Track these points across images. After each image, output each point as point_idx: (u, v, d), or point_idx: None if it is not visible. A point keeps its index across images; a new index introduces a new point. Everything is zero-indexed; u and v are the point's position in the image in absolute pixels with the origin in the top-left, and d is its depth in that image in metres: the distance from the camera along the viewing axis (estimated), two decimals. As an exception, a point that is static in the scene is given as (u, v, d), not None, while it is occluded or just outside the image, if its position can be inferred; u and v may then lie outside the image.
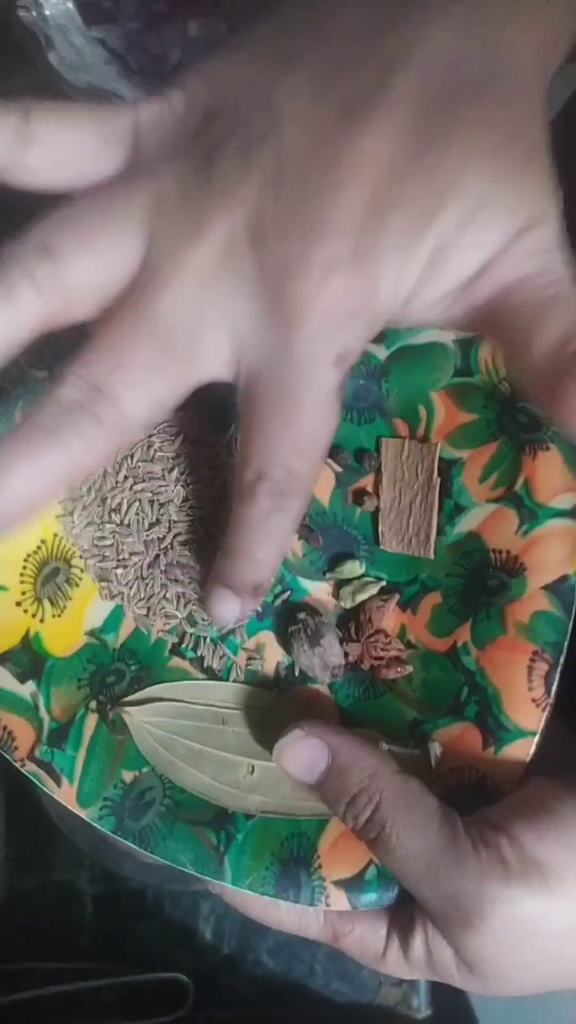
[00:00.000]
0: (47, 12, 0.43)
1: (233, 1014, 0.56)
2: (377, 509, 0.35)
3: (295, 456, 0.26)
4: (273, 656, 0.34)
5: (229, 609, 0.31)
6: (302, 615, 0.34)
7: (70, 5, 0.44)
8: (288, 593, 0.35)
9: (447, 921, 0.28)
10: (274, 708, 0.33)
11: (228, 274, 0.25)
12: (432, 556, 0.34)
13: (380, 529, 0.35)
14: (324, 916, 0.32)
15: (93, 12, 0.45)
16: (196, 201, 0.25)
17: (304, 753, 0.31)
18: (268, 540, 0.28)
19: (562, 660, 0.32)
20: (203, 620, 0.34)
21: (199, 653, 0.34)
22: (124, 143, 0.27)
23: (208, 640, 0.34)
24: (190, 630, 0.34)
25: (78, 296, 0.25)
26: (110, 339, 0.25)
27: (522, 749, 0.31)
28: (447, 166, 0.24)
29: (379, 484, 0.35)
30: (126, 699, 0.32)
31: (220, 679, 0.34)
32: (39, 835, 0.56)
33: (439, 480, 0.34)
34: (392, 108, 0.24)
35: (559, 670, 0.32)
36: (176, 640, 0.34)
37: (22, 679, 0.31)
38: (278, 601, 0.35)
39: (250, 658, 0.34)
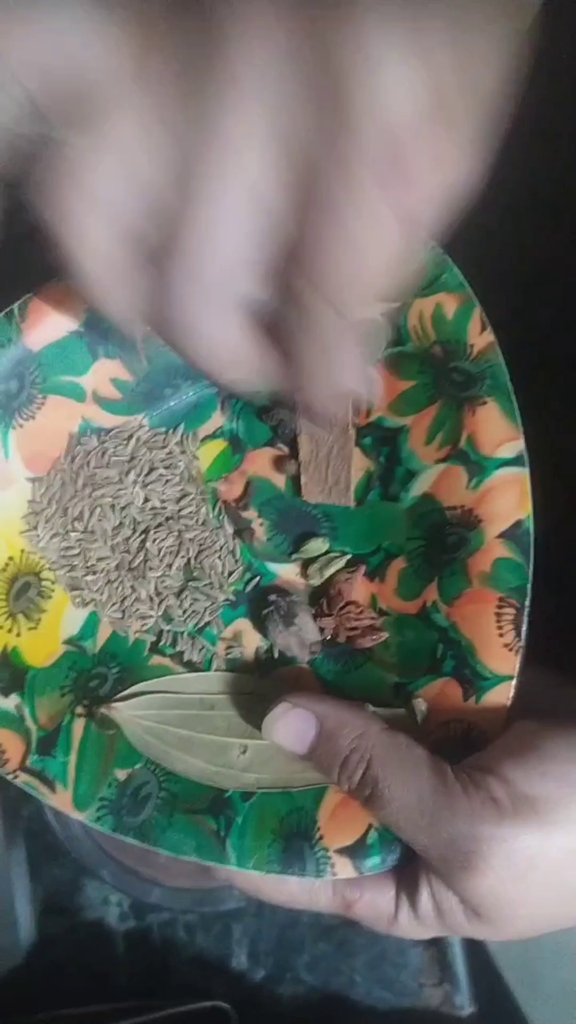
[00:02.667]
0: None
1: (279, 1036, 0.55)
2: (298, 471, 0.36)
3: (321, 259, 0.23)
4: (252, 642, 0.35)
5: None
6: (273, 597, 0.35)
7: None
8: (258, 579, 0.36)
9: (448, 867, 0.29)
10: (259, 690, 0.34)
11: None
12: (352, 503, 0.36)
13: (302, 481, 0.36)
14: (333, 887, 0.32)
15: None
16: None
17: (293, 724, 0.31)
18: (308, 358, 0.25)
19: (527, 603, 0.32)
20: (179, 616, 0.34)
21: (178, 648, 0.35)
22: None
23: (186, 635, 0.35)
24: (166, 627, 0.35)
25: None
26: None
27: (502, 694, 0.32)
28: None
29: (297, 443, 0.36)
30: (112, 698, 0.33)
31: (202, 671, 0.34)
32: (64, 878, 0.56)
33: (354, 431, 0.35)
34: None
35: (526, 613, 0.32)
36: (154, 639, 0.35)
37: (5, 693, 0.32)
38: (249, 587, 0.36)
39: (229, 647, 0.35)
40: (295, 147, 0.22)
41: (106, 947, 0.55)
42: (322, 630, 0.35)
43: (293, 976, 0.56)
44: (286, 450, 0.36)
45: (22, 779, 0.31)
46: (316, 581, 0.35)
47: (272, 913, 0.56)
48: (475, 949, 0.56)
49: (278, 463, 0.37)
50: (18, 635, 0.33)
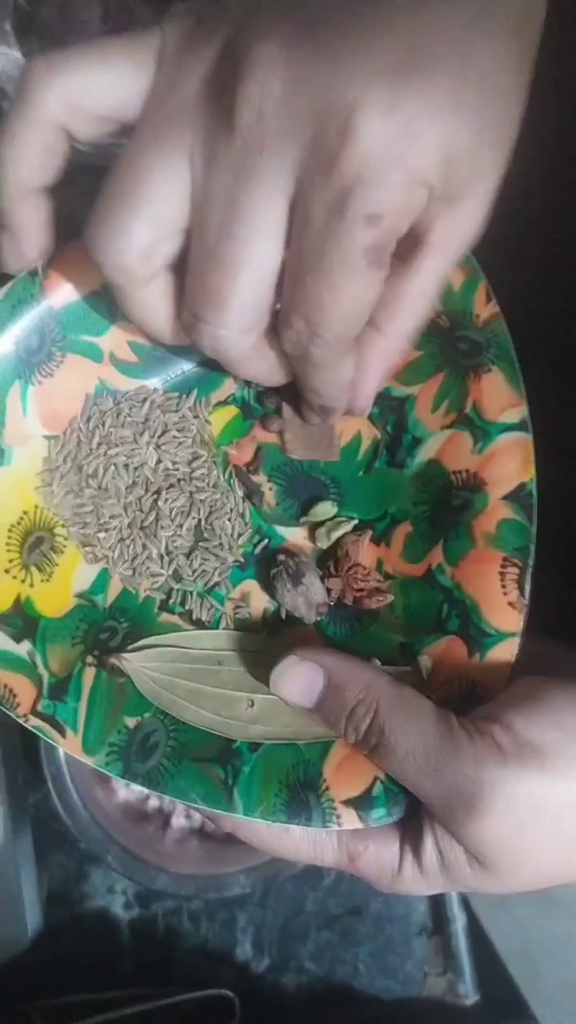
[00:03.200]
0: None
1: (282, 1024, 0.55)
2: (282, 430, 0.37)
3: (316, 311, 0.28)
4: (259, 604, 0.36)
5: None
6: (282, 557, 0.35)
7: (17, 54, 0.47)
8: (267, 541, 0.36)
9: (451, 812, 0.29)
10: (266, 648, 0.35)
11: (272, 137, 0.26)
12: (337, 458, 0.37)
13: (286, 438, 0.37)
14: (337, 839, 0.32)
15: None
16: (223, 83, 0.26)
17: (300, 677, 0.32)
18: (307, 380, 0.32)
19: (531, 563, 0.33)
20: (188, 576, 0.35)
21: (187, 607, 0.35)
22: (153, 61, 0.28)
23: (195, 594, 0.35)
24: (176, 586, 0.35)
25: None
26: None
27: (506, 651, 0.32)
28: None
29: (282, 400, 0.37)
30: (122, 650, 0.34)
31: (211, 630, 0.35)
32: (70, 866, 0.56)
33: None
34: None
35: (530, 572, 0.33)
36: (164, 597, 0.36)
37: (17, 639, 0.33)
38: (258, 550, 0.36)
39: (237, 607, 0.36)
40: (300, 209, 0.26)
41: (111, 935, 0.56)
42: (329, 591, 0.35)
43: (297, 965, 0.56)
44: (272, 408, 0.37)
45: (33, 723, 0.32)
46: (324, 544, 0.36)
47: (276, 902, 0.56)
48: (479, 938, 0.56)
49: (264, 421, 0.37)
50: (31, 586, 0.34)
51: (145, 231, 0.28)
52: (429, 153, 0.25)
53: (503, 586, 0.33)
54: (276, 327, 0.30)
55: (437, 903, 0.57)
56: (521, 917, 0.54)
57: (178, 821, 0.55)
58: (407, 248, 0.28)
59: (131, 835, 0.53)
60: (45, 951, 0.54)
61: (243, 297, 0.28)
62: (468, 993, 0.55)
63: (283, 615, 0.36)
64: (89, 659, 0.33)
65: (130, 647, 0.34)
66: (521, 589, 0.33)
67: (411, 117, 0.24)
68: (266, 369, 0.32)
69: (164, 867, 0.53)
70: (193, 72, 0.27)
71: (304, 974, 0.56)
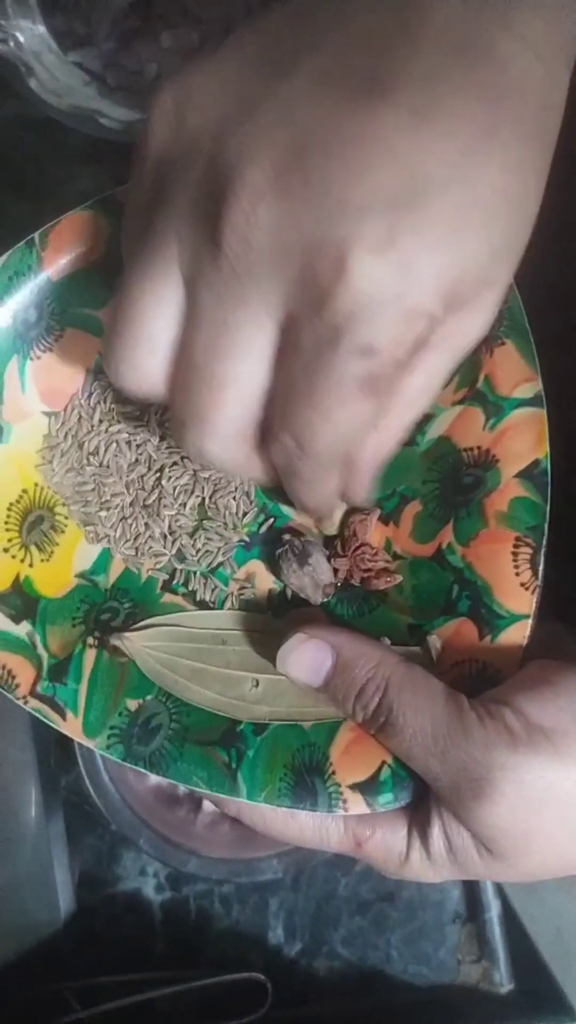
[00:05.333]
0: (22, 40, 0.46)
1: (314, 1009, 0.55)
2: None
3: (306, 434, 0.27)
4: (265, 584, 0.35)
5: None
6: (288, 536, 0.35)
7: (43, 30, 0.47)
8: (272, 520, 0.36)
9: (460, 796, 0.28)
10: (272, 628, 0.34)
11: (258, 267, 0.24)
12: (334, 531, 0.36)
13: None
14: (344, 824, 0.32)
15: (68, 38, 0.47)
16: (210, 213, 0.24)
17: (308, 655, 0.31)
18: (294, 494, 0.30)
19: (544, 543, 0.32)
20: (192, 556, 0.35)
21: (191, 588, 0.35)
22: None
23: (198, 575, 0.35)
24: (179, 566, 0.35)
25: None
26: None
27: (518, 633, 0.31)
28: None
29: None
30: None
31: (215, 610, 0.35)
32: (102, 848, 0.56)
33: None
34: (407, 85, 0.23)
35: (543, 553, 0.32)
36: (167, 577, 0.35)
37: (16, 620, 0.33)
38: (263, 529, 0.36)
39: (242, 588, 0.35)
40: (291, 335, 0.25)
41: (143, 917, 0.56)
42: (336, 571, 0.34)
43: (329, 950, 0.56)
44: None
45: (32, 704, 0.32)
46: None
47: (308, 886, 0.56)
48: (514, 926, 0.55)
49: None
50: (31, 565, 0.34)
51: (148, 360, 0.27)
52: (428, 286, 0.24)
53: (515, 566, 0.32)
54: (264, 435, 0.29)
55: (471, 891, 0.56)
56: (556, 905, 0.52)
57: (209, 805, 0.55)
58: (403, 358, 0.26)
59: (163, 818, 0.53)
60: (78, 932, 0.54)
61: (227, 413, 0.27)
62: (503, 981, 0.54)
63: (289, 595, 0.35)
64: (90, 640, 0.33)
65: (132, 627, 0.33)
66: (534, 570, 0.31)
67: (408, 254, 0.23)
68: (255, 474, 0.30)
69: (196, 851, 0.53)
70: (177, 182, 0.25)
71: (336, 959, 0.56)
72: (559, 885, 0.49)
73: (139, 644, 0.33)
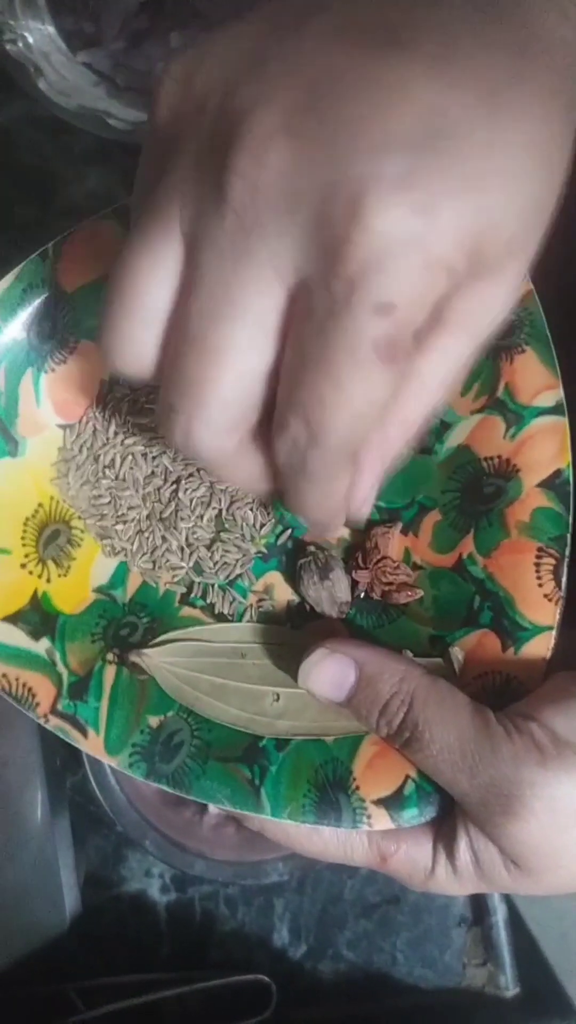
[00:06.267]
0: (31, 40, 0.46)
1: (319, 1011, 0.55)
2: None
3: (318, 413, 0.23)
4: (283, 596, 0.35)
5: None
6: (312, 548, 0.34)
7: (51, 30, 0.46)
8: (290, 531, 0.35)
9: (487, 812, 0.28)
10: (292, 641, 0.33)
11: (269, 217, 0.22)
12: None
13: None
14: (369, 839, 0.31)
15: (77, 38, 0.47)
16: (219, 151, 0.22)
17: (330, 670, 0.31)
18: (297, 496, 0.26)
19: (567, 553, 0.31)
20: (210, 568, 0.34)
21: (209, 600, 0.34)
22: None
23: (216, 587, 0.34)
24: (197, 579, 0.34)
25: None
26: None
27: (542, 645, 0.31)
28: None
29: None
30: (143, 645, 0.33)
31: (233, 624, 0.34)
32: (107, 849, 0.56)
33: None
34: (427, 35, 0.21)
35: (566, 563, 0.31)
36: (184, 590, 0.35)
37: (35, 636, 0.32)
38: (281, 540, 0.35)
39: (260, 600, 0.34)
40: (300, 297, 0.23)
41: (148, 918, 0.56)
42: (356, 584, 0.34)
43: (335, 952, 0.56)
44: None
45: (53, 723, 0.31)
46: (347, 534, 0.35)
47: (314, 889, 0.56)
48: (520, 930, 0.55)
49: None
50: (48, 581, 0.33)
51: (142, 334, 0.24)
52: (450, 234, 0.21)
53: (538, 577, 0.31)
54: (260, 429, 0.25)
55: (477, 895, 0.56)
56: (562, 909, 0.53)
57: (215, 807, 0.55)
58: (422, 324, 0.23)
59: (168, 820, 0.53)
60: (83, 933, 0.54)
61: (225, 390, 0.23)
62: (508, 985, 0.54)
63: (308, 607, 0.34)
64: (109, 656, 0.33)
65: (150, 643, 0.33)
66: (557, 581, 0.31)
67: (430, 194, 0.21)
68: (247, 477, 0.27)
69: (202, 853, 0.53)
70: (184, 141, 0.23)
71: (341, 961, 0.56)
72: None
73: (158, 661, 0.32)
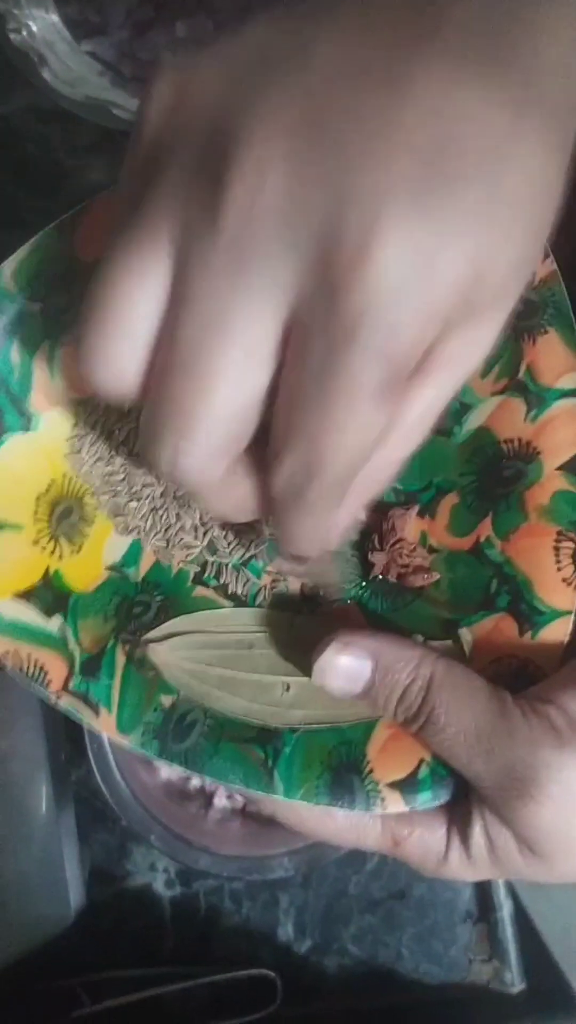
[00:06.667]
0: (35, 29, 0.45)
1: (324, 1006, 0.55)
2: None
3: (316, 451, 0.23)
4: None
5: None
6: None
7: (56, 19, 0.46)
8: None
9: (503, 796, 0.28)
10: (301, 626, 0.33)
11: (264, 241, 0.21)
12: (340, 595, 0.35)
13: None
14: (382, 823, 0.31)
15: (82, 27, 0.47)
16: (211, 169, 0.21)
17: (345, 665, 0.30)
18: (290, 526, 0.26)
19: None
20: (223, 548, 0.34)
21: (222, 580, 0.34)
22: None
23: (230, 567, 0.34)
24: (211, 558, 0.34)
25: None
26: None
27: (560, 629, 0.31)
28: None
29: None
30: (148, 636, 0.32)
31: (247, 605, 0.34)
32: (112, 843, 0.56)
33: None
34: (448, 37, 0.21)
35: (586, 547, 0.31)
36: (198, 569, 0.34)
37: (48, 614, 0.32)
38: None
39: (275, 581, 0.34)
40: (297, 331, 0.22)
41: (153, 913, 0.55)
42: (372, 565, 0.34)
43: (339, 947, 0.55)
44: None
45: (65, 701, 0.31)
46: (363, 516, 0.35)
47: (319, 884, 0.56)
48: (525, 926, 0.54)
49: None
50: (60, 558, 0.33)
51: (125, 351, 0.23)
52: (451, 285, 0.21)
53: (557, 561, 0.31)
54: (247, 453, 0.25)
55: (483, 890, 0.56)
56: (567, 904, 0.52)
57: (220, 801, 0.55)
58: (414, 367, 0.23)
59: (173, 814, 0.53)
60: (88, 927, 0.54)
61: (214, 420, 0.22)
62: (514, 981, 0.54)
63: (321, 591, 0.34)
64: (122, 635, 0.32)
65: (156, 634, 0.32)
66: None
67: (437, 243, 0.20)
68: (232, 506, 0.27)
69: (206, 847, 0.52)
70: (173, 155, 0.22)
71: (346, 956, 0.55)
72: (570, 883, 0.49)
73: (165, 656, 0.32)
